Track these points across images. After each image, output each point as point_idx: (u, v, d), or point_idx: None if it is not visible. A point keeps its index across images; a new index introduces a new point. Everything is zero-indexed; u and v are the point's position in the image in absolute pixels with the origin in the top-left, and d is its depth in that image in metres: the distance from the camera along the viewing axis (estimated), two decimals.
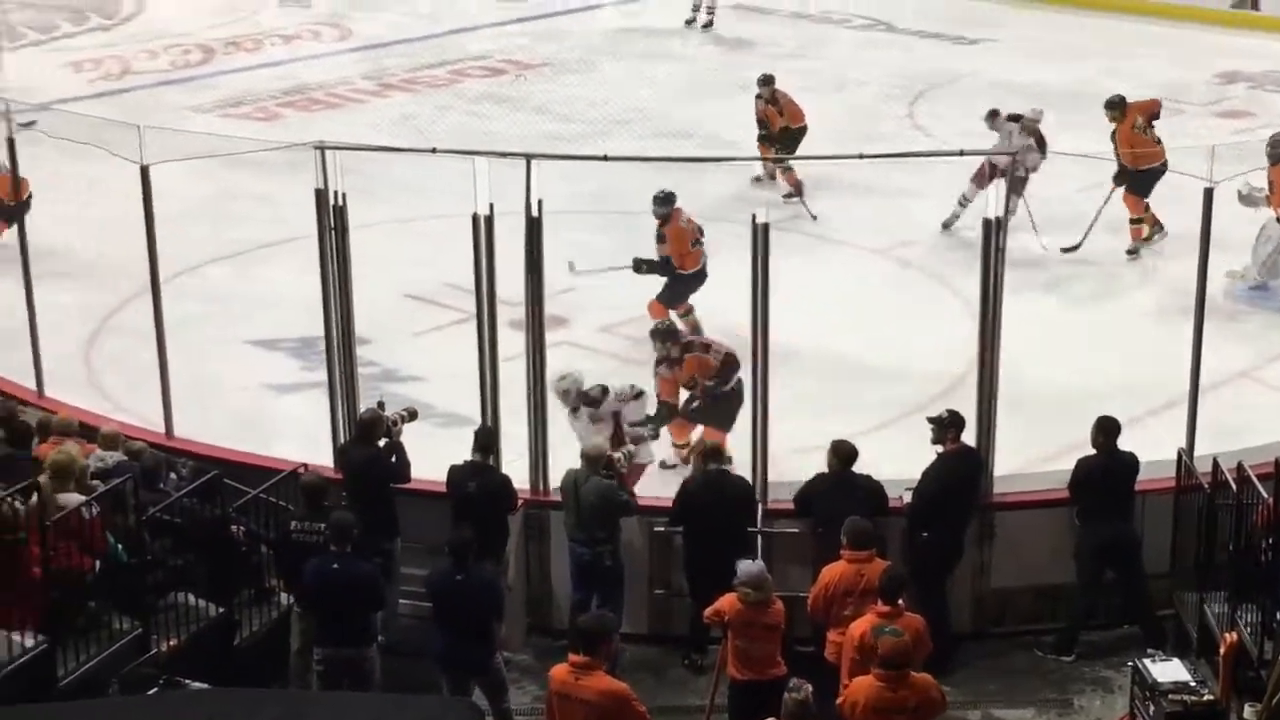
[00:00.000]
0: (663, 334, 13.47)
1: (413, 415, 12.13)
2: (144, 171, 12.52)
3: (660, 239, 15.14)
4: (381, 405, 11.97)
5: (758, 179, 19.38)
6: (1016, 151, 16.47)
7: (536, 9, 28.98)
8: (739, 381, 12.89)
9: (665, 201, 15.10)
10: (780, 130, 19.16)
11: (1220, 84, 23.93)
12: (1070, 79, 22.96)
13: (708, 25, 27.44)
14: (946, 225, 17.71)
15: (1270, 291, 16.17)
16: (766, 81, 19.57)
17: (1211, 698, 10.25)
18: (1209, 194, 11.57)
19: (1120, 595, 11.96)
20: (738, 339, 12.21)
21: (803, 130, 19.27)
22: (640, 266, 14.99)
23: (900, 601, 9.99)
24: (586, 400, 12.74)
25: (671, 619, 12.04)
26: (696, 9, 27.69)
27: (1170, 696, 10.15)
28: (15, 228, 14.47)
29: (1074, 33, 26.59)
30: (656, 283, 15.09)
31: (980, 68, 24.47)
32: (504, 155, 11.86)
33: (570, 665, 9.35)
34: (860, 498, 11.25)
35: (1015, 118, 17.65)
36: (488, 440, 11.70)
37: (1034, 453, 13.01)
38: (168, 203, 13.16)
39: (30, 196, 15.83)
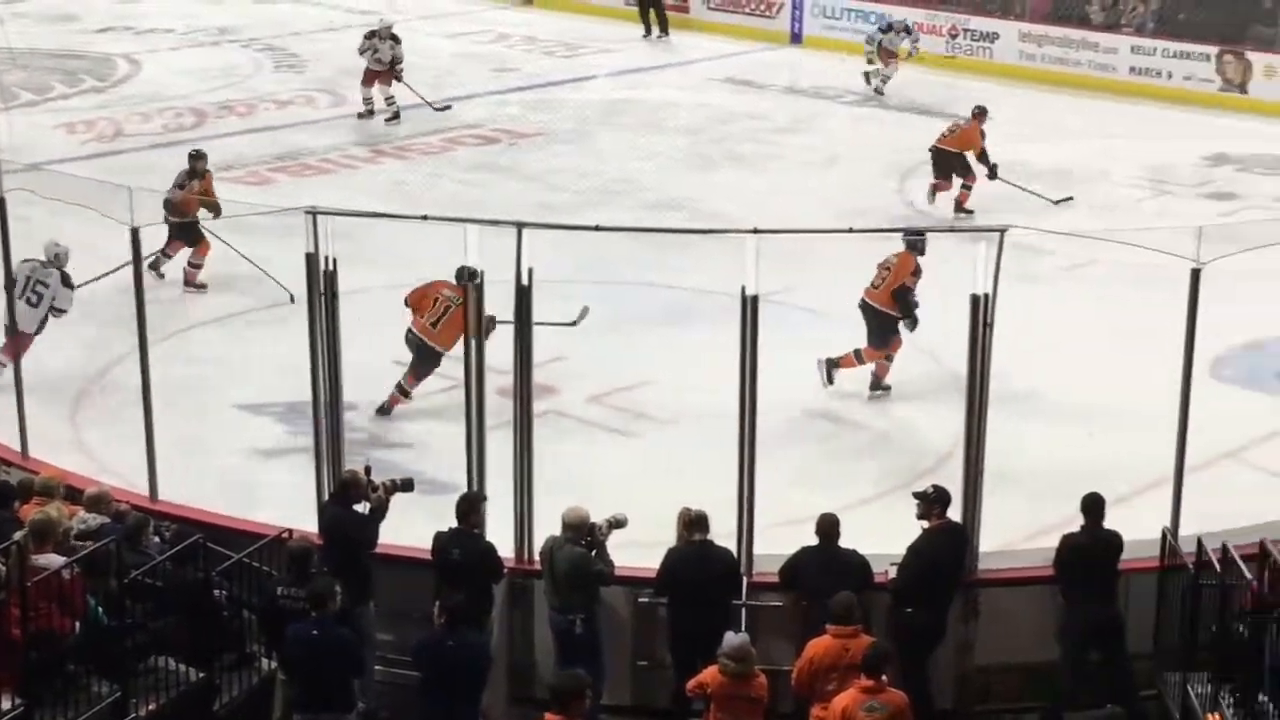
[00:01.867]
0: None
1: (407, 486, 11.97)
2: (134, 233, 12.52)
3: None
4: (368, 470, 11.91)
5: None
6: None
7: (530, 79, 29.13)
8: None
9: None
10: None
11: (1208, 166, 24.07)
12: (1060, 159, 23.14)
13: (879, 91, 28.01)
14: None
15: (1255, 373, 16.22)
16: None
17: None
18: (1196, 275, 11.59)
19: (1104, 675, 11.92)
20: (727, 413, 12.13)
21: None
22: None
23: (884, 677, 9.97)
24: (63, 275, 15.29)
25: (654, 691, 11.95)
26: (882, 78, 28.16)
27: None
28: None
29: (1064, 114, 26.76)
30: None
31: None
32: (495, 223, 11.85)
33: None
34: (845, 572, 11.20)
35: None
36: (470, 507, 11.63)
37: (1021, 530, 12.98)
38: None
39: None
